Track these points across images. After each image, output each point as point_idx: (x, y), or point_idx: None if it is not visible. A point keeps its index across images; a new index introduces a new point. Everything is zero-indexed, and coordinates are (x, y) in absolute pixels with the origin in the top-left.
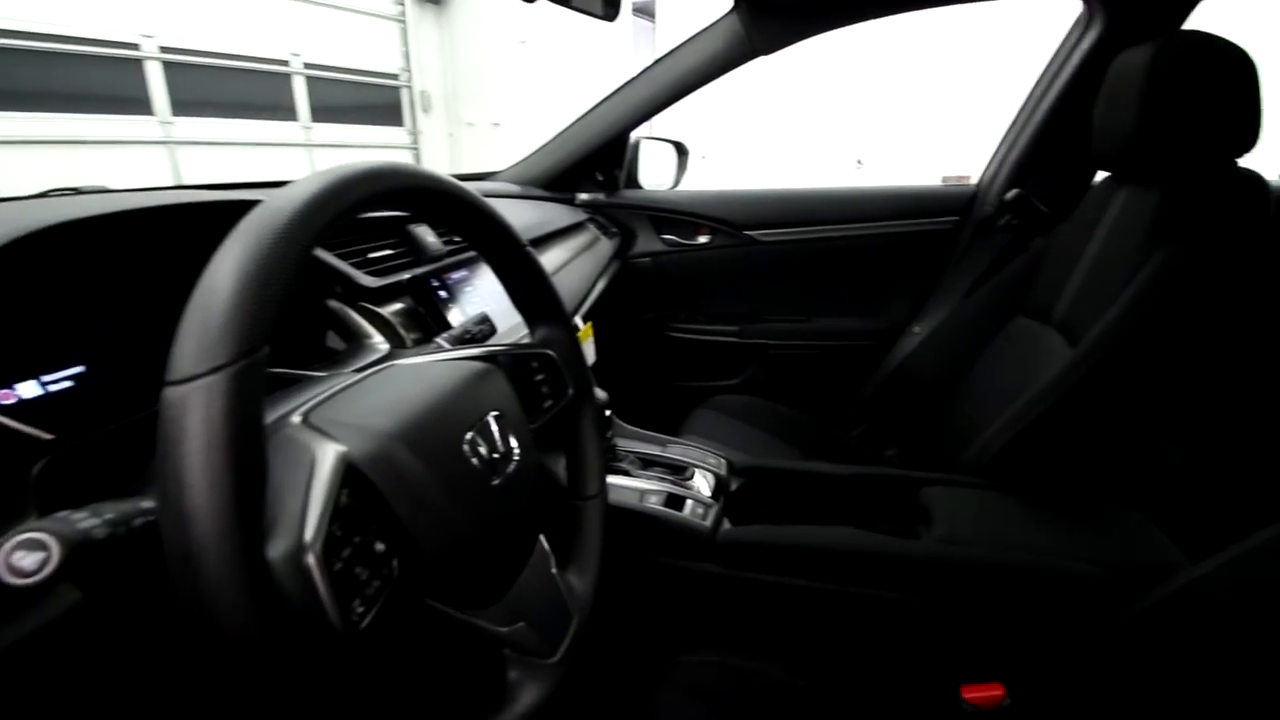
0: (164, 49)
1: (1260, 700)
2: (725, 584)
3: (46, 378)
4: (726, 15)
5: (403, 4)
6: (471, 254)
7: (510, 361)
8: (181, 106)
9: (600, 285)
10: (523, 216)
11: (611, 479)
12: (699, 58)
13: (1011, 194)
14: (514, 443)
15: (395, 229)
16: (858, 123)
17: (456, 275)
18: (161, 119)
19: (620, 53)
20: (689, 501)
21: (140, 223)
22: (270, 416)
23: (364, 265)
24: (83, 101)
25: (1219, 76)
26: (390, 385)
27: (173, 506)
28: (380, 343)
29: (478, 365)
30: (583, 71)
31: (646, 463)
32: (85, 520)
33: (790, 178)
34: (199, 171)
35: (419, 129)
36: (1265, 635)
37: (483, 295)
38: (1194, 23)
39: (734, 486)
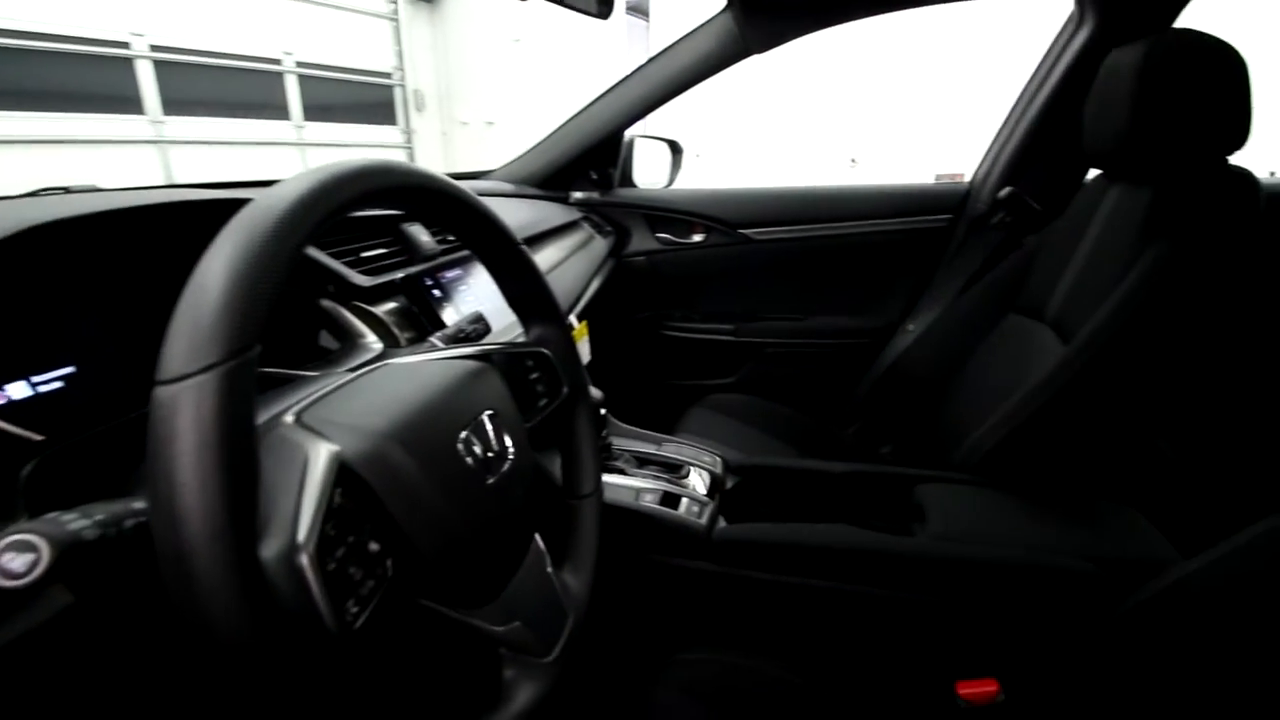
0: (154, 47)
1: (1253, 694)
2: (721, 582)
3: (36, 378)
4: (720, 14)
5: (395, 2)
6: (465, 253)
7: (505, 360)
8: (173, 105)
9: (595, 284)
10: (517, 215)
11: (607, 478)
12: (692, 56)
13: (1004, 192)
14: (509, 442)
15: (389, 228)
16: (851, 121)
17: (450, 274)
18: (152, 118)
19: (614, 51)
20: (684, 500)
21: (130, 222)
22: (263, 416)
23: (357, 264)
24: (73, 101)
25: (1210, 75)
26: (384, 384)
27: (164, 507)
28: (374, 342)
29: (472, 364)
30: (577, 70)
31: (642, 461)
32: (75, 521)
33: (784, 176)
34: (191, 171)
35: (412, 128)
36: (1257, 629)
37: (477, 294)
38: (1184, 21)
39: (729, 485)
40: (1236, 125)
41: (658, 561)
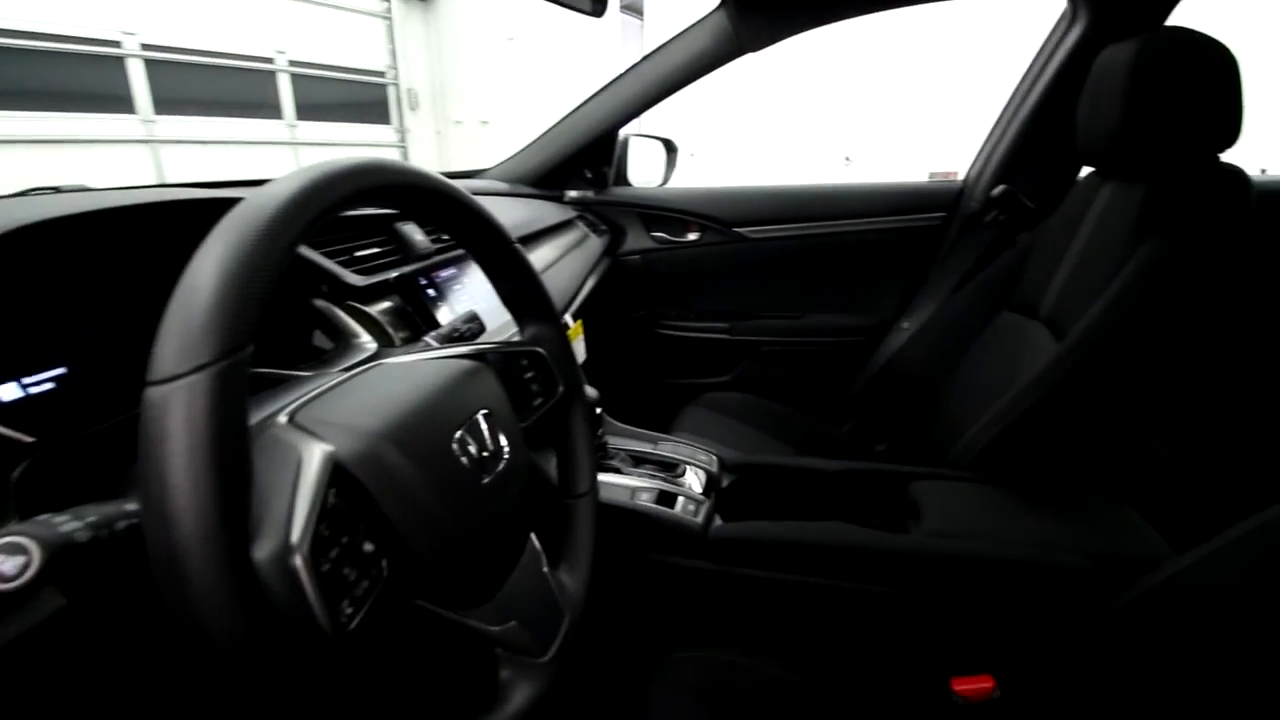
0: (146, 46)
1: (1246, 689)
2: (717, 580)
3: (27, 379)
4: (714, 12)
5: (389, 1)
6: (460, 252)
7: (500, 359)
8: (164, 105)
9: (590, 283)
10: (511, 214)
11: (603, 477)
12: (686, 55)
13: (998, 190)
14: (504, 441)
15: (383, 227)
16: (846, 120)
17: (445, 273)
18: (144, 117)
19: (608, 49)
20: (680, 498)
21: (121, 221)
22: (256, 417)
23: (351, 264)
24: (63, 100)
25: (1201, 73)
26: (378, 384)
27: (155, 508)
28: (368, 342)
29: (467, 364)
30: (571, 68)
31: (638, 460)
32: (67, 523)
33: (779, 174)
34: (183, 170)
35: (406, 127)
36: (1251, 624)
37: (471, 293)
38: (1176, 19)
39: (725, 483)
40: (1228, 123)
41: (654, 560)
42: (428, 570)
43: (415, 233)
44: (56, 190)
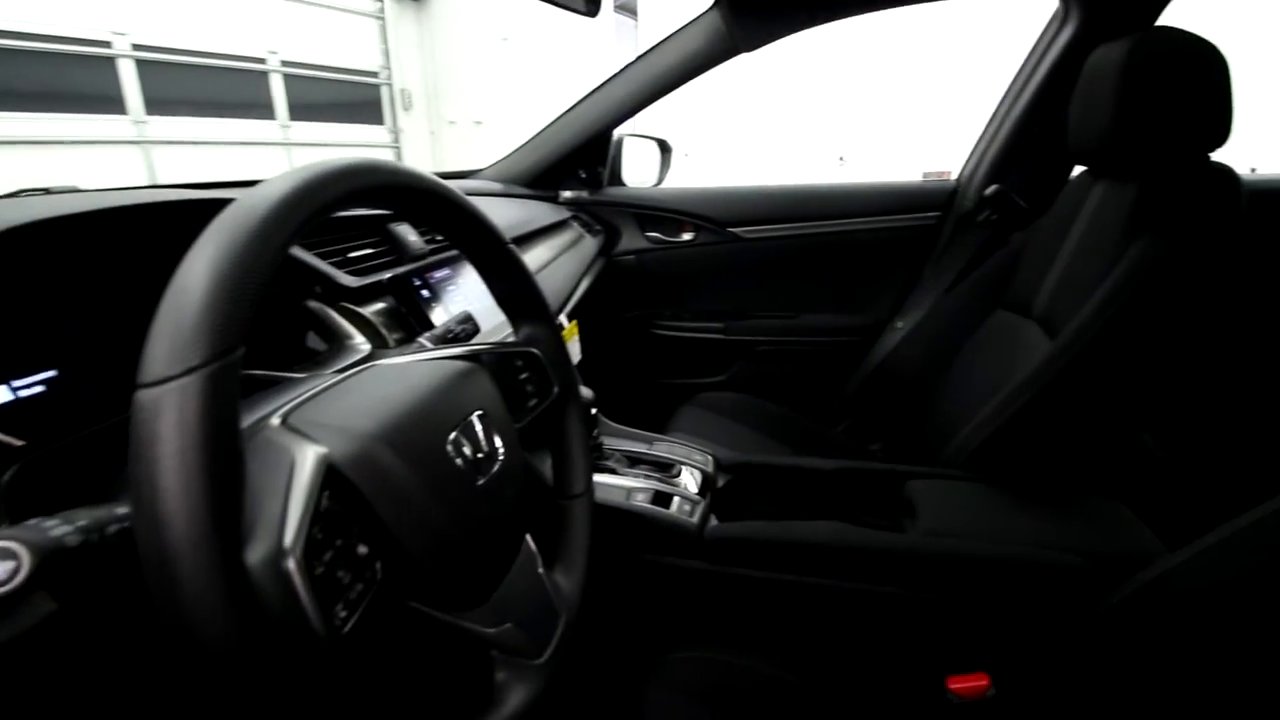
0: (137, 46)
1: (1238, 684)
2: (713, 580)
3: (17, 382)
4: (708, 12)
5: (381, 0)
6: (454, 253)
7: (494, 360)
8: (156, 105)
9: (585, 283)
10: (505, 214)
11: (598, 477)
12: (681, 55)
13: (991, 189)
14: (499, 442)
15: (376, 228)
16: (840, 119)
17: (439, 274)
18: (135, 118)
19: (602, 50)
20: (676, 498)
21: (112, 222)
22: (249, 419)
23: (344, 265)
24: (54, 100)
25: (1192, 72)
26: (372, 386)
27: (147, 512)
28: (361, 343)
29: (461, 364)
30: (565, 69)
31: (633, 460)
32: (57, 528)
33: (773, 174)
34: (175, 171)
35: (400, 127)
36: (1242, 620)
37: (466, 294)
38: (1166, 19)
39: (721, 483)
40: (1218, 122)
41: (650, 561)
42: (422, 572)
43: (409, 233)
44: (47, 191)
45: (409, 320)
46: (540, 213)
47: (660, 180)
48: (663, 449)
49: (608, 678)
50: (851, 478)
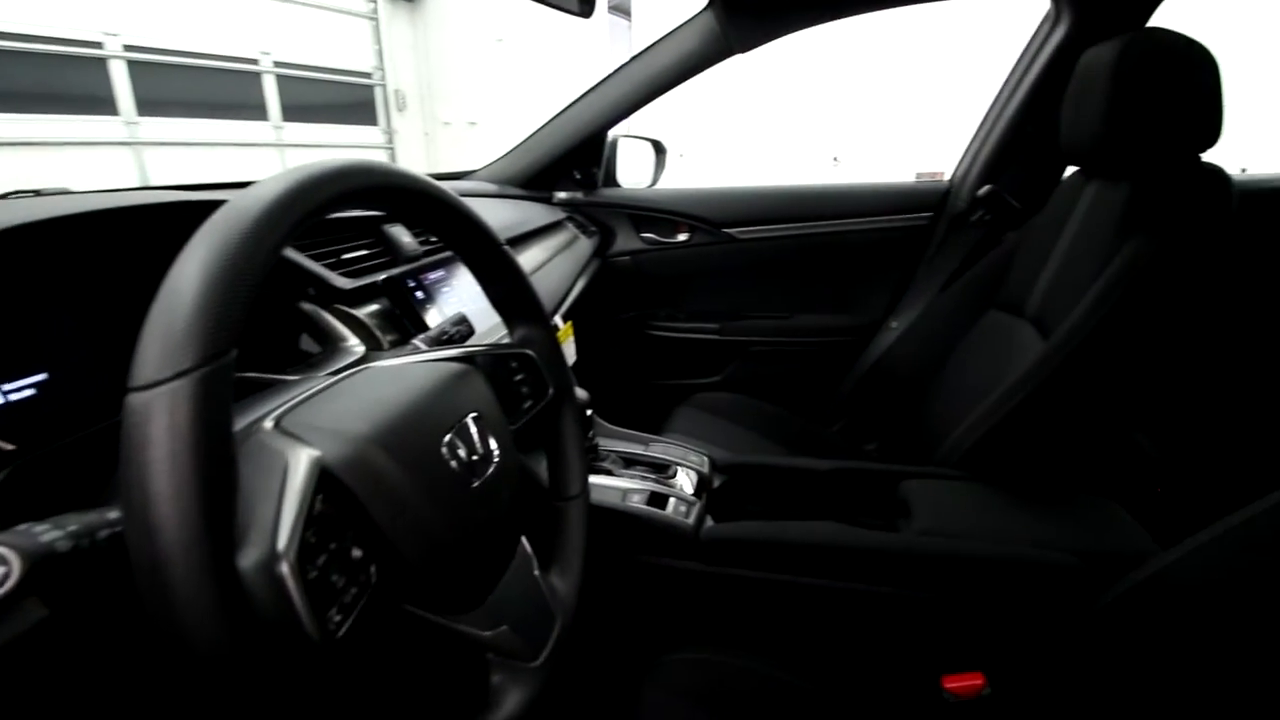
0: (128, 47)
1: (1230, 682)
2: (709, 581)
3: (7, 386)
4: (702, 13)
5: (375, 1)
6: (448, 254)
7: (489, 362)
8: (147, 106)
9: (580, 284)
10: (500, 215)
11: (593, 479)
12: (675, 56)
13: (984, 190)
14: (494, 444)
15: (370, 229)
16: (834, 120)
17: (433, 276)
18: (127, 119)
19: (596, 50)
20: (672, 499)
21: (103, 224)
22: (241, 422)
23: (338, 266)
24: (45, 101)
25: (1182, 73)
26: (366, 388)
27: (138, 516)
28: (355, 345)
29: (456, 366)
30: (559, 70)
31: (629, 462)
32: (48, 533)
33: (768, 175)
34: (167, 173)
35: (394, 128)
36: (1234, 617)
37: (460, 296)
38: (1157, 20)
39: (716, 483)
40: (1208, 123)
41: (645, 562)
42: (417, 576)
43: (403, 235)
44: (37, 193)
45: (403, 322)
46: (535, 214)
47: (655, 181)
48: (658, 450)
49: (604, 679)
50: (846, 478)
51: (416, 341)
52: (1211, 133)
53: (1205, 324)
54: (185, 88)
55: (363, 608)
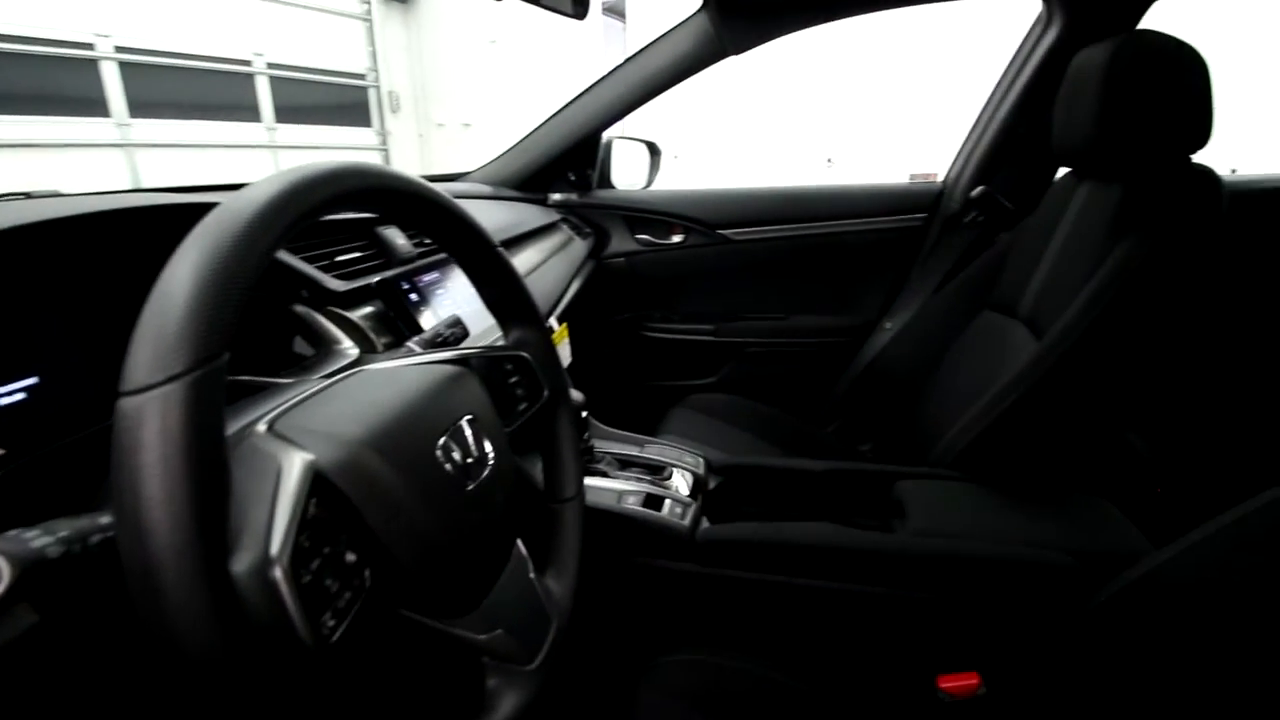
0: (120, 48)
1: (1224, 680)
2: (704, 583)
3: None
4: (695, 14)
5: (368, 3)
6: (442, 256)
7: (484, 364)
8: (139, 108)
9: (574, 286)
10: (494, 217)
11: (589, 480)
12: (669, 57)
13: (977, 191)
14: (488, 447)
15: (364, 231)
16: (828, 122)
17: (427, 278)
18: (118, 121)
19: (591, 52)
20: (667, 501)
21: (94, 227)
22: (234, 426)
23: (331, 268)
24: (35, 103)
25: (1173, 75)
26: (360, 391)
27: (130, 521)
28: (349, 347)
29: (450, 369)
30: (553, 71)
31: (624, 463)
32: (39, 539)
33: (762, 176)
34: (159, 175)
35: (387, 129)
36: (1227, 615)
37: (455, 298)
38: (1148, 22)
39: (712, 485)
40: (1199, 125)
41: (641, 564)
42: (412, 580)
43: (397, 237)
44: (28, 196)
45: (397, 324)
46: (529, 215)
47: (650, 182)
48: (654, 451)
49: (599, 682)
50: (841, 478)
51: (411, 344)
52: (1202, 134)
53: (1197, 324)
54: (177, 89)
55: (357, 612)
